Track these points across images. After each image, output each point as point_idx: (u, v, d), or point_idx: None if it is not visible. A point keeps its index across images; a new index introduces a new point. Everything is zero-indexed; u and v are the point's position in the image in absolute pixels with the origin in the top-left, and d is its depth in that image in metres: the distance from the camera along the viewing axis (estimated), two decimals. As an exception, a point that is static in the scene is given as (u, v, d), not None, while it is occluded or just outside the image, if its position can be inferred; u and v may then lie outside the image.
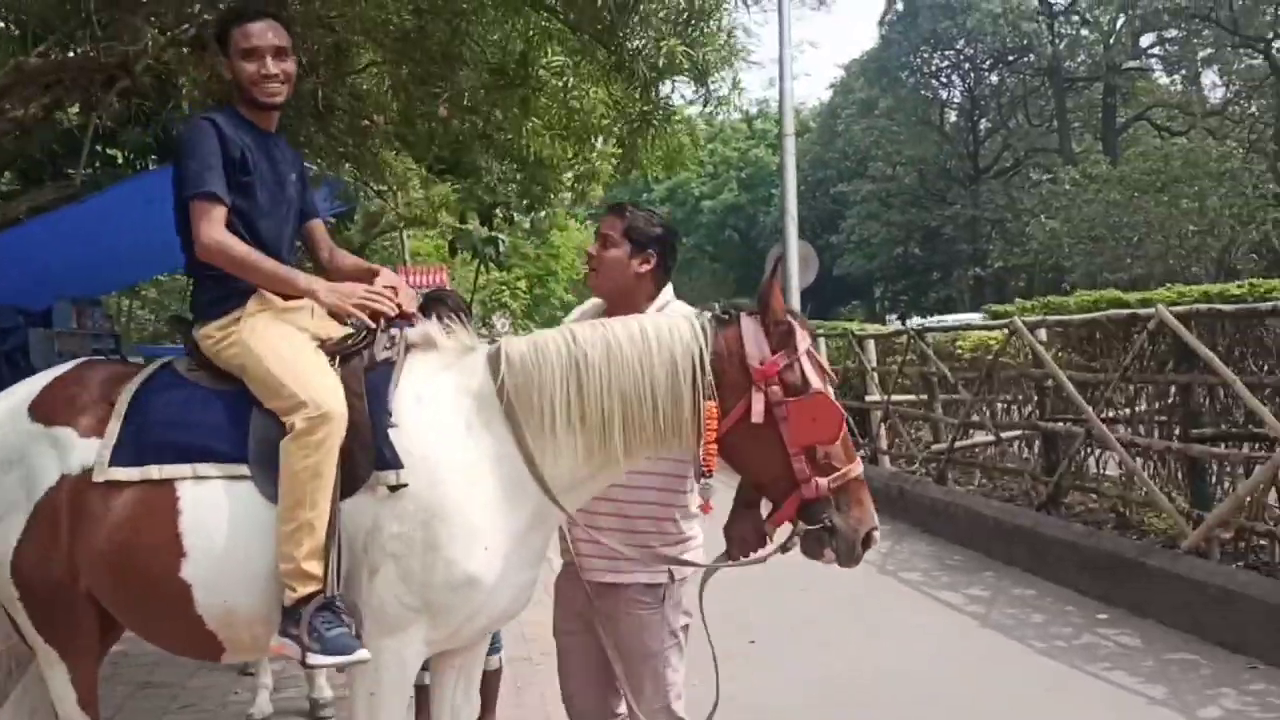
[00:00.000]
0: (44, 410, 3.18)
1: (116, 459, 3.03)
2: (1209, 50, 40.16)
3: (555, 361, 2.98)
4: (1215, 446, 7.03)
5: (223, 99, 7.77)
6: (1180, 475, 7.52)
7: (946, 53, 44.25)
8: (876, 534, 2.94)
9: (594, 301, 3.67)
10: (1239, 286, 8.69)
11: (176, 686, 5.94)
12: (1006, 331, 9.81)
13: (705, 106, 6.10)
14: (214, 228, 3.12)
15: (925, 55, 44.32)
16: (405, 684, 3.02)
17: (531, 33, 6.56)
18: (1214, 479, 7.17)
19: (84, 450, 3.06)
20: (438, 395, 3.06)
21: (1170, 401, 7.72)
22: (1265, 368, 6.63)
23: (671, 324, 3.01)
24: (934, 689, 5.82)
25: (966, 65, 44.78)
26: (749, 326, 2.96)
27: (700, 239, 53.51)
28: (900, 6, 43.67)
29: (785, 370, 2.91)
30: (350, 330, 3.22)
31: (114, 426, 3.07)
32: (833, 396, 2.98)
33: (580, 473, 3.02)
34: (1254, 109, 39.75)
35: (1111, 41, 39.89)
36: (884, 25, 44.84)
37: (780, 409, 2.88)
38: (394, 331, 3.16)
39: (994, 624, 7.07)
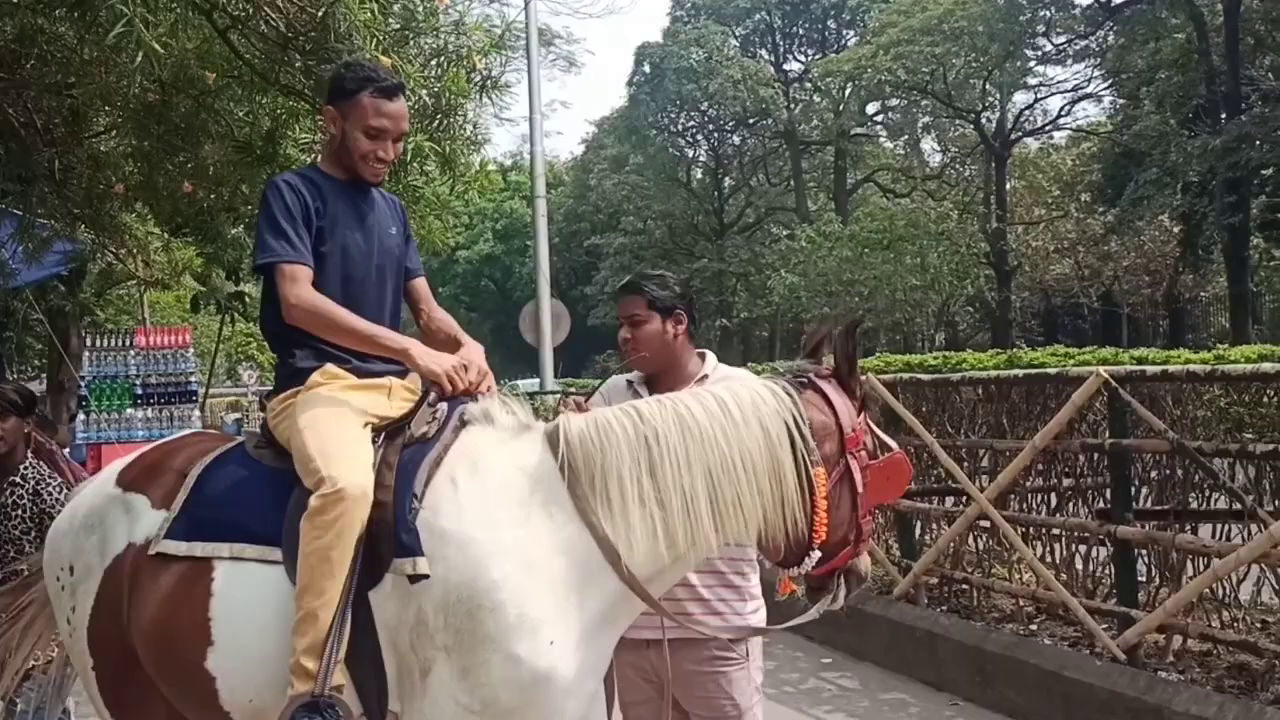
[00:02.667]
0: (127, 476, 3.13)
1: (171, 532, 2.92)
2: (927, 119, 43.66)
3: (621, 440, 2.72)
4: (921, 501, 7.74)
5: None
6: (892, 527, 8.22)
7: (692, 114, 46.15)
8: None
9: (618, 380, 3.62)
10: (934, 358, 9.63)
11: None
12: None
13: (452, 189, 6.36)
14: (300, 287, 2.96)
15: (672, 115, 46.08)
16: None
17: (279, 111, 6.65)
18: (920, 531, 7.88)
19: (151, 520, 2.98)
20: (487, 474, 2.77)
21: (882, 459, 8.42)
22: (959, 430, 7.39)
23: (751, 392, 2.78)
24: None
25: (710, 126, 46.85)
26: (833, 391, 2.84)
27: (456, 289, 53.52)
28: (647, 69, 45.27)
29: (865, 434, 2.85)
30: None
31: (180, 499, 2.97)
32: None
33: (662, 560, 2.70)
34: (967, 173, 43.40)
35: (841, 109, 42.65)
36: (632, 86, 46.33)
37: (865, 473, 2.81)
38: (440, 406, 2.92)
39: (731, 673, 7.52)
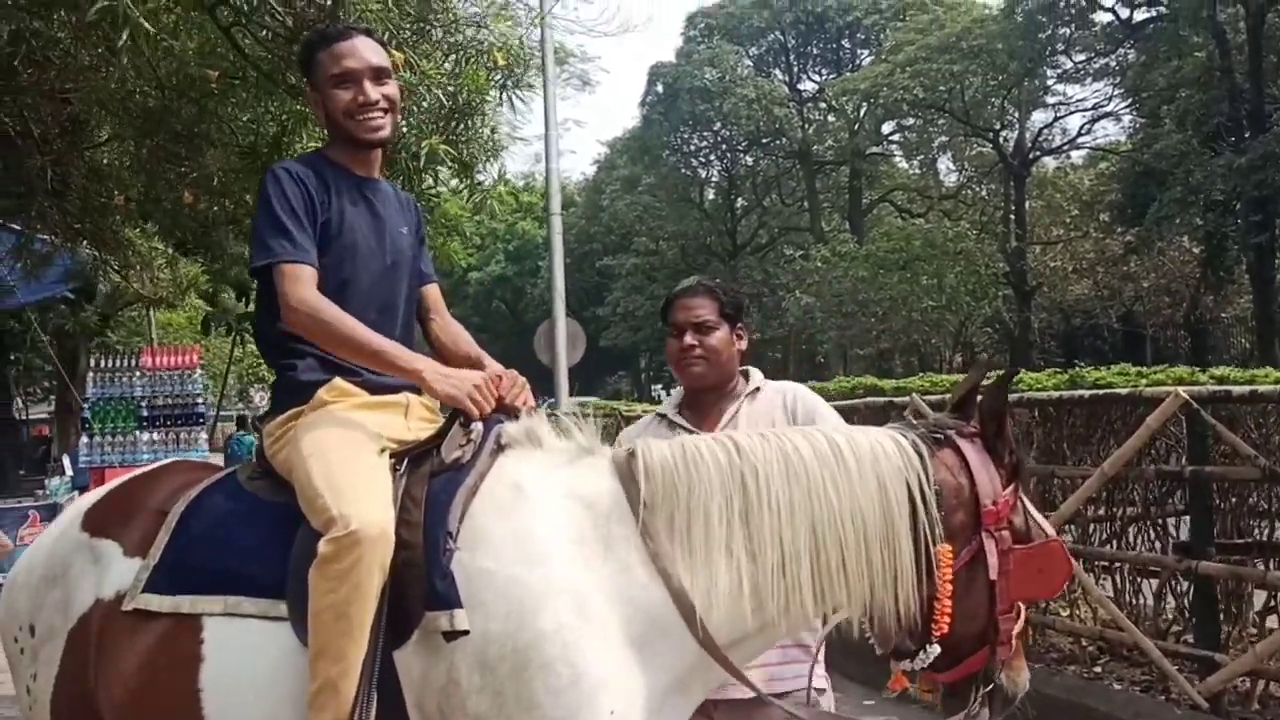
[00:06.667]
0: (95, 518, 2.66)
1: (151, 584, 2.45)
2: (944, 138, 43.30)
3: (714, 474, 2.29)
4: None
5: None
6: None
7: (705, 134, 45.83)
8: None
9: (645, 421, 3.24)
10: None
11: None
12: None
13: (470, 197, 5.95)
14: (303, 288, 2.54)
15: (685, 135, 45.76)
16: None
17: (285, 116, 6.27)
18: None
19: (124, 570, 2.50)
20: (537, 504, 2.33)
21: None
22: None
23: (872, 441, 2.33)
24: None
25: (724, 146, 46.50)
26: (974, 454, 2.35)
27: (467, 310, 53.22)
28: (660, 89, 45.06)
29: (1013, 511, 2.35)
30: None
31: (160, 542, 2.50)
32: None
33: (745, 624, 2.25)
34: (984, 193, 43.01)
35: (856, 128, 42.35)
36: (645, 106, 46.12)
37: (1007, 558, 2.30)
38: (474, 426, 2.45)
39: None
